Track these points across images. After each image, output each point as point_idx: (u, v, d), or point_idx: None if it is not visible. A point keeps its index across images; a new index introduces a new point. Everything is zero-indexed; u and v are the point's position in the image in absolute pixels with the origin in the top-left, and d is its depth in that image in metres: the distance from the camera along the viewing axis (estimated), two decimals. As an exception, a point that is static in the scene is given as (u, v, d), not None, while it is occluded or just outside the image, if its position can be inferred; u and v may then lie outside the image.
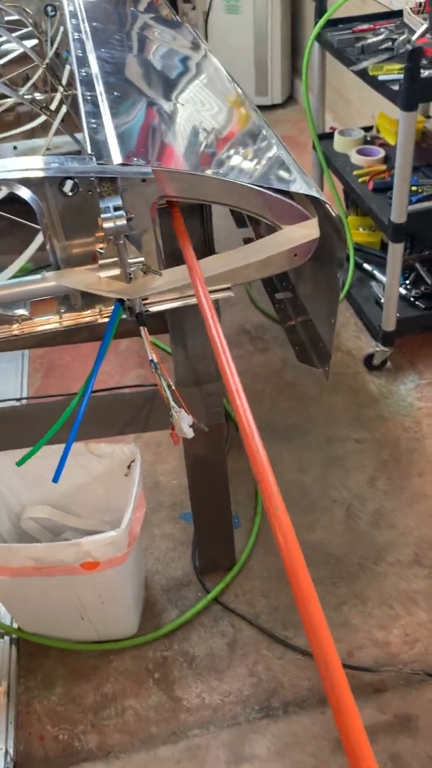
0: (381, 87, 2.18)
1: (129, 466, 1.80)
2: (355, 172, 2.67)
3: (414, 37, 2.35)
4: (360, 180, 2.62)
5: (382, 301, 2.70)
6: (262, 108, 4.88)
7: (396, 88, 2.10)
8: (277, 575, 2.05)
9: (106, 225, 0.87)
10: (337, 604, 1.97)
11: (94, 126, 0.99)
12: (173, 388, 1.09)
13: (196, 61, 1.57)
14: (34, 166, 0.86)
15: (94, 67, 1.23)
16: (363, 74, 2.27)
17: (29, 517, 1.94)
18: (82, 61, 1.27)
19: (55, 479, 1.22)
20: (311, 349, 1.29)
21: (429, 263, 2.88)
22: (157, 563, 2.12)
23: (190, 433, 1.07)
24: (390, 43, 2.42)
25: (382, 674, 1.81)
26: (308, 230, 0.98)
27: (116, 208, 0.87)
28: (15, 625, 1.96)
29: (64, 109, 1.81)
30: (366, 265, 2.96)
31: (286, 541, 0.62)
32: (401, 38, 2.41)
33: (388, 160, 2.73)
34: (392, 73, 2.21)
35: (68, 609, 1.80)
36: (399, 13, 2.65)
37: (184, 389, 1.74)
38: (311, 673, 1.84)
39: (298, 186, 0.96)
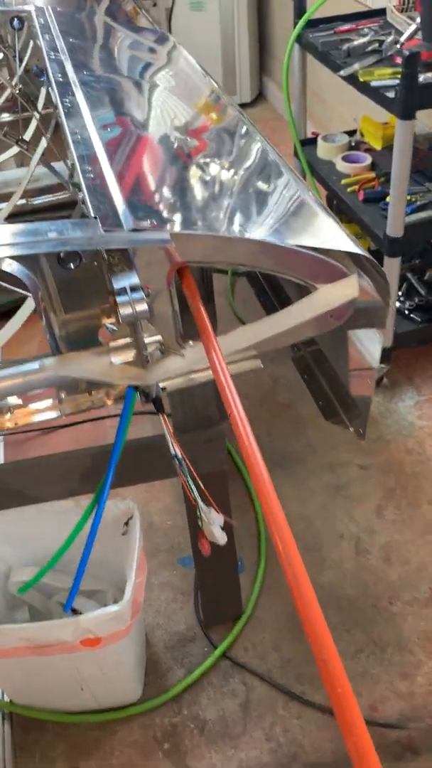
0: (374, 94, 2.04)
1: (126, 523, 1.65)
2: (343, 181, 2.53)
3: (403, 38, 2.22)
4: (349, 190, 2.49)
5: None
6: (231, 108, 4.72)
7: (391, 95, 1.97)
8: (287, 624, 1.91)
9: (124, 312, 0.71)
10: (354, 653, 1.84)
11: (92, 176, 0.83)
12: (201, 486, 0.93)
13: (191, 84, 1.42)
14: (24, 239, 0.69)
15: (80, 97, 1.07)
16: (353, 80, 2.13)
17: (17, 581, 1.77)
18: (65, 88, 1.09)
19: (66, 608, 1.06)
20: (339, 405, 1.15)
21: (420, 272, 2.76)
22: (157, 616, 1.96)
23: (222, 538, 0.92)
24: (377, 45, 2.29)
25: (410, 730, 1.69)
26: (347, 289, 0.84)
27: (133, 288, 0.71)
28: (6, 699, 1.79)
29: (43, 142, 1.63)
30: (355, 276, 2.82)
31: (303, 599, 0.49)
32: (389, 39, 2.27)
33: (376, 166, 2.60)
34: (384, 78, 2.07)
35: (66, 682, 1.64)
36: (381, 12, 2.51)
37: (183, 435, 1.59)
38: (334, 733, 1.70)
39: (339, 242, 0.82)
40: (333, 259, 0.82)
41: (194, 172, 0.94)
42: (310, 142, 2.79)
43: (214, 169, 0.98)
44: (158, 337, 0.81)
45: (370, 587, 1.98)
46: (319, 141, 2.72)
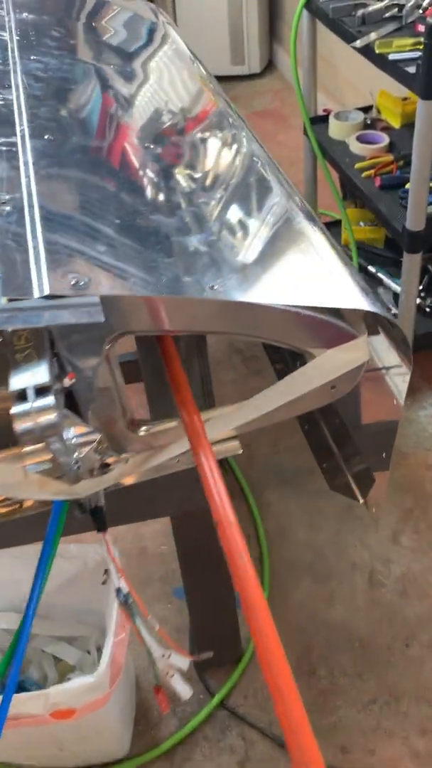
0: (393, 68, 1.78)
1: (106, 572, 1.45)
2: (357, 165, 2.28)
3: (426, 2, 1.95)
4: (364, 175, 2.24)
5: (394, 312, 2.35)
6: (239, 78, 4.43)
7: (412, 70, 1.71)
8: (293, 666, 1.71)
9: (20, 426, 0.50)
10: (366, 703, 1.65)
11: (8, 209, 0.61)
12: (157, 628, 0.74)
13: (172, 75, 1.18)
14: None
15: (18, 91, 0.84)
16: (368, 52, 1.87)
17: (-9, 627, 1.59)
18: (0, 81, 0.87)
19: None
20: (351, 477, 0.95)
21: (443, 264, 2.51)
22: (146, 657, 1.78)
23: (186, 692, 0.73)
24: (396, 10, 2.02)
25: (428, 799, 1.50)
26: (355, 353, 0.63)
27: (40, 391, 0.51)
28: (-19, 753, 1.62)
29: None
30: (371, 268, 2.59)
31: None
32: (410, 4, 2.00)
33: (394, 147, 2.35)
34: (404, 49, 1.81)
35: (43, 744, 1.48)
36: (401, -29, 2.23)
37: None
38: (342, 799, 1.53)
39: (345, 295, 0.60)
40: (337, 318, 0.61)
41: (155, 194, 0.72)
42: (321, 120, 2.53)
43: (182, 188, 0.77)
44: (94, 436, 0.61)
45: (385, 626, 1.79)
46: (331, 119, 2.46)
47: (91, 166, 0.73)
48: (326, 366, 0.64)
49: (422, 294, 2.38)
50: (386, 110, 2.47)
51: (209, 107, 1.08)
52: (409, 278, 2.05)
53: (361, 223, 2.71)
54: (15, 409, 0.50)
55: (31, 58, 0.93)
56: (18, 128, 0.75)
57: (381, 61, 1.83)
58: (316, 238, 0.70)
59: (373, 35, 1.90)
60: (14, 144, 0.71)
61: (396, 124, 2.43)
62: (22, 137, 0.73)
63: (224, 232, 0.68)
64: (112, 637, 1.33)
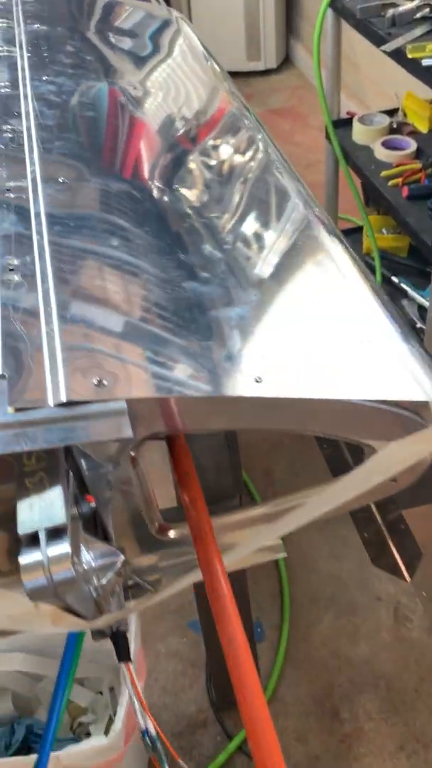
0: (427, 75, 1.67)
1: None
2: (383, 173, 2.17)
3: (460, 3, 1.84)
4: (390, 183, 2.13)
5: (420, 327, 2.25)
6: (255, 75, 4.31)
7: (448, 77, 1.60)
8: (314, 709, 1.64)
9: (31, 582, 0.41)
10: (393, 751, 1.57)
11: (16, 278, 0.51)
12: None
13: (186, 84, 1.08)
14: None
15: (29, 120, 0.74)
16: (399, 56, 1.76)
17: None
18: (8, 106, 0.76)
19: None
20: (398, 550, 0.85)
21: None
22: (163, 694, 1.71)
23: None
24: (428, 11, 1.90)
25: None
26: (423, 444, 0.54)
27: (53, 534, 0.41)
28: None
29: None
30: (394, 278, 2.48)
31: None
32: (443, 4, 1.89)
33: (422, 153, 2.24)
34: (439, 54, 1.70)
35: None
36: (432, -32, 2.11)
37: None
38: None
39: (423, 385, 0.51)
40: (404, 408, 0.52)
41: (189, 253, 0.62)
42: (344, 123, 2.42)
43: (217, 235, 0.67)
44: (117, 558, 0.52)
45: (412, 665, 1.70)
46: (355, 123, 2.35)
47: (111, 212, 0.63)
48: (389, 460, 0.55)
49: (449, 308, 2.27)
50: (413, 114, 2.36)
51: (224, 121, 0.98)
52: (439, 296, 1.95)
53: (384, 231, 2.60)
54: (23, 559, 0.41)
55: (44, 78, 0.83)
56: (29, 168, 0.65)
57: (413, 67, 1.72)
58: (372, 307, 0.61)
59: (403, 38, 1.79)
60: (24, 189, 0.61)
61: (424, 128, 2.32)
62: (33, 180, 0.63)
63: (263, 296, 0.59)
64: (127, 698, 1.25)
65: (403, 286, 2.45)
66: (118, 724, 1.19)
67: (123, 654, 0.62)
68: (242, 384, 0.47)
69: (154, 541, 0.56)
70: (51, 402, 0.43)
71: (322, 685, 1.68)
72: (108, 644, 1.45)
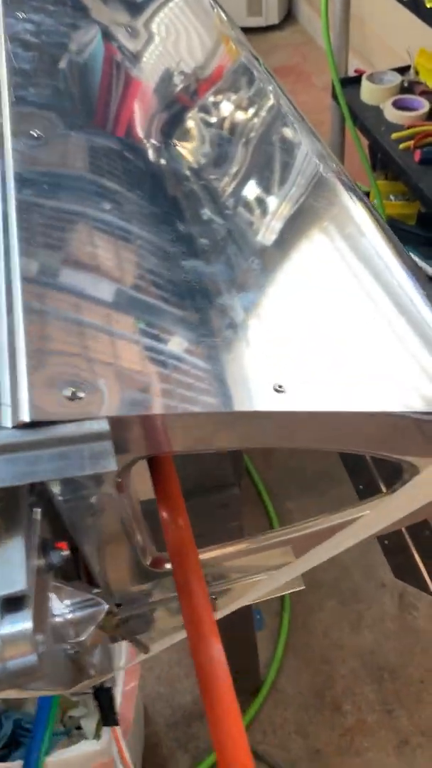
0: (447, 27, 1.54)
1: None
2: (393, 135, 2.04)
3: None
4: (401, 146, 2.00)
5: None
6: (256, 31, 4.11)
7: (471, 29, 1.47)
8: (314, 700, 1.58)
9: None
10: (398, 744, 1.50)
11: None
12: None
13: (187, 42, 0.95)
14: None
15: (0, 65, 0.61)
16: (416, 7, 1.62)
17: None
18: None
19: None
20: (423, 560, 0.76)
21: None
22: (158, 684, 1.64)
23: None
24: (447, -43, 1.75)
25: None
26: None
27: (10, 602, 0.31)
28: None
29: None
30: (402, 248, 2.36)
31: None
32: None
33: (435, 114, 2.10)
34: (460, 4, 1.57)
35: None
36: None
37: (190, 500, 1.22)
38: None
39: None
40: None
41: (189, 225, 0.51)
42: (352, 82, 2.28)
43: (225, 210, 0.56)
44: (99, 609, 0.42)
45: (417, 655, 1.63)
46: (364, 81, 2.21)
47: (96, 172, 0.52)
48: None
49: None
50: (426, 72, 2.21)
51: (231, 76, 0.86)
52: (451, 267, 1.84)
53: (392, 197, 2.47)
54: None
55: (19, 16, 0.71)
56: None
57: (432, 18, 1.58)
58: (405, 283, 0.51)
59: (421, -14, 1.65)
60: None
61: (437, 87, 2.18)
62: (1, 134, 0.52)
63: (274, 274, 0.48)
64: (120, 689, 1.17)
65: (412, 256, 2.33)
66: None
67: (109, 716, 0.53)
68: (260, 395, 0.37)
69: (149, 575, 0.47)
70: (9, 422, 0.32)
71: (324, 675, 1.62)
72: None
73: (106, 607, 0.42)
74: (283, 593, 0.58)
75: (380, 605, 1.72)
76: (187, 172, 0.64)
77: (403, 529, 0.80)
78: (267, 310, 0.47)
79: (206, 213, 0.58)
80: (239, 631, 1.52)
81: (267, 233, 0.58)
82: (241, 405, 0.36)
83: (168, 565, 0.48)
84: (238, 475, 1.27)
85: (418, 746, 1.50)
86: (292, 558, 0.54)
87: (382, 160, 2.41)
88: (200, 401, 0.36)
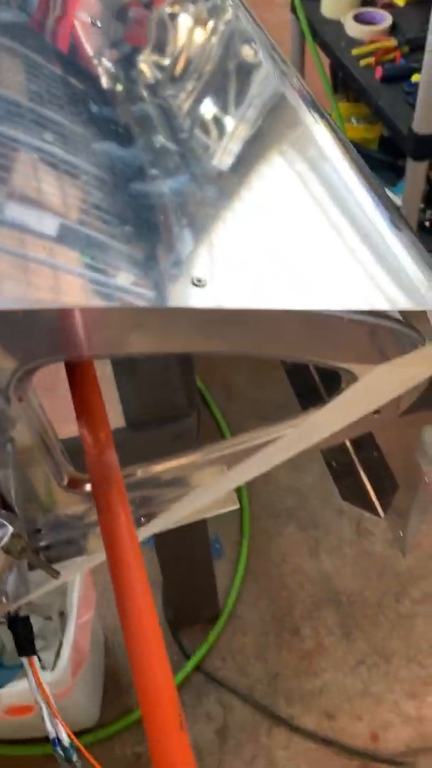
0: None
1: None
2: (354, 51, 1.95)
3: None
4: (362, 63, 1.91)
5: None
6: None
7: None
8: (273, 626, 1.60)
9: None
10: (354, 665, 1.54)
11: None
12: None
13: None
14: None
15: None
16: None
17: None
18: None
19: None
20: (370, 482, 0.74)
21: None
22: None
23: None
24: None
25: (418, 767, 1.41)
26: (419, 366, 0.41)
27: None
28: None
29: None
30: (363, 173, 2.29)
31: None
32: None
33: (397, 29, 2.01)
34: None
35: (3, 726, 1.33)
36: None
37: (138, 433, 1.19)
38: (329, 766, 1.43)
39: (415, 287, 0.37)
40: (393, 321, 0.39)
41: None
42: (312, -6, 2.15)
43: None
44: (4, 532, 0.38)
45: (374, 580, 1.65)
46: (325, -8, 2.09)
47: (33, 92, 0.46)
48: (374, 388, 0.42)
49: (421, 206, 2.11)
50: (389, -17, 2.10)
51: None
52: (412, 189, 1.79)
53: (354, 120, 2.39)
54: None
55: None
56: None
57: None
58: (360, 193, 0.46)
59: None
60: None
61: (400, 0, 2.08)
62: None
63: (224, 190, 0.43)
64: (74, 620, 1.16)
65: (373, 181, 2.26)
66: (64, 657, 1.10)
67: (25, 646, 0.50)
68: (176, 289, 0.32)
69: (70, 496, 0.43)
70: None
71: (283, 601, 1.64)
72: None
73: (10, 529, 0.39)
74: (218, 512, 0.55)
75: (338, 531, 1.73)
76: (140, 90, 0.58)
77: (351, 451, 0.78)
78: (205, 219, 0.42)
79: (156, 137, 0.52)
80: (198, 560, 1.52)
81: (223, 156, 0.52)
82: (154, 300, 0.32)
83: (88, 486, 0.45)
84: (192, 405, 1.23)
85: (373, 666, 1.54)
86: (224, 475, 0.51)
87: (343, 80, 2.32)
88: (103, 295, 0.31)
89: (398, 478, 0.69)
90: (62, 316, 0.31)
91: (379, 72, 1.86)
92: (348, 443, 0.77)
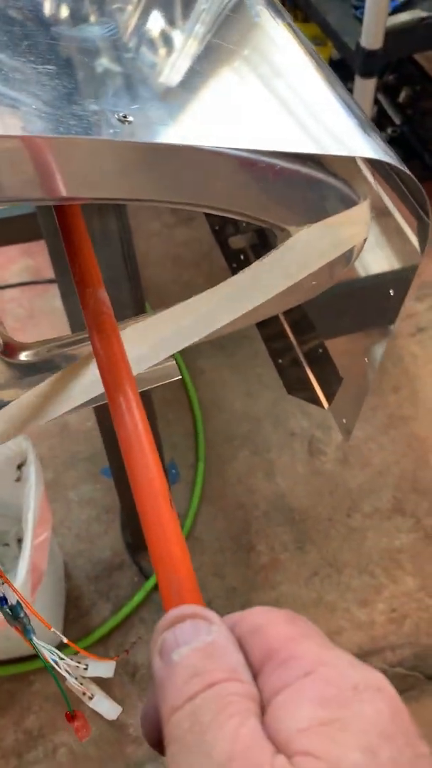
0: None
1: (20, 467, 1.26)
2: (301, -37, 1.88)
3: None
4: (309, -25, 1.86)
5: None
6: None
7: None
8: (230, 544, 1.64)
9: None
10: (308, 576, 1.60)
11: None
12: (64, 639, 0.55)
13: None
14: None
15: None
16: None
17: None
18: None
19: None
20: (315, 376, 0.74)
21: (393, 93, 2.22)
22: (78, 542, 1.66)
23: (115, 712, 0.55)
24: None
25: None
26: (353, 226, 0.41)
27: None
28: None
29: None
30: (312, 97, 2.25)
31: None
32: None
33: None
34: None
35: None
36: None
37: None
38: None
39: (346, 136, 0.37)
40: (325, 172, 0.38)
41: None
42: None
43: None
44: None
45: (326, 496, 1.70)
46: None
47: None
48: (308, 248, 0.42)
49: (370, 128, 2.10)
50: None
51: None
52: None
53: (302, 41, 2.33)
54: None
55: None
56: None
57: None
58: (281, 37, 0.45)
59: None
60: None
61: None
62: None
63: (143, 35, 0.41)
64: (30, 540, 1.17)
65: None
66: (21, 574, 1.12)
67: None
68: (98, 124, 0.31)
69: (3, 368, 0.42)
70: None
71: (239, 521, 1.68)
72: (11, 496, 1.36)
73: None
74: (160, 383, 0.55)
75: (291, 453, 1.77)
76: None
77: (297, 348, 0.79)
78: (122, 48, 0.40)
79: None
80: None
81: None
82: (76, 133, 0.31)
83: (23, 355, 0.44)
84: (139, 306, 1.21)
85: (326, 576, 1.59)
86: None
87: (291, -2, 2.25)
88: (18, 126, 0.30)
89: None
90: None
91: (326, -14, 1.81)
92: (295, 342, 0.77)
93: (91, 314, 0.42)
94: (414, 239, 0.48)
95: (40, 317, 2.08)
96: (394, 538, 1.64)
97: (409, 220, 0.47)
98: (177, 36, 0.44)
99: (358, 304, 0.65)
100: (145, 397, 0.46)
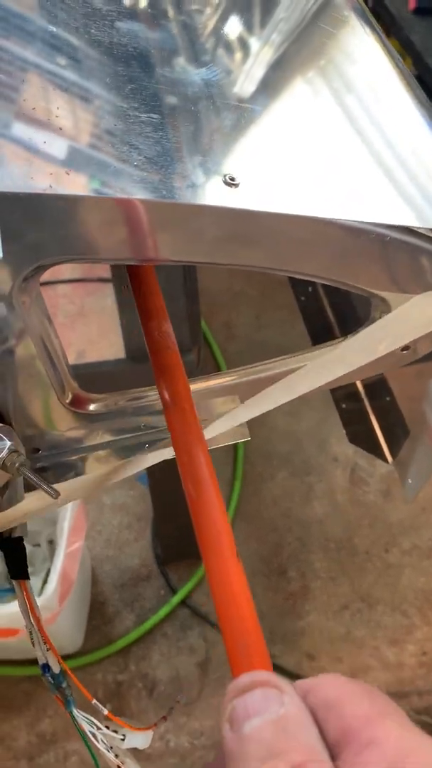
0: None
1: None
2: (388, -22, 1.83)
3: None
4: (396, -9, 1.80)
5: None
6: None
7: None
8: (261, 567, 1.61)
9: None
10: (338, 609, 1.55)
11: None
12: (105, 712, 0.52)
13: None
14: None
15: None
16: None
17: None
18: None
19: None
20: (380, 426, 0.70)
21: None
22: (107, 547, 1.65)
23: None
24: None
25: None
26: None
27: None
28: None
29: None
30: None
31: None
32: None
33: (436, -43, 1.89)
34: None
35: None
36: None
37: (138, 365, 1.16)
38: (304, 705, 1.45)
39: None
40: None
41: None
42: None
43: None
44: (6, 443, 0.35)
45: (365, 528, 1.66)
46: None
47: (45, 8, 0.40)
48: (409, 320, 0.39)
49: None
50: None
51: None
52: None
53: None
54: None
55: None
56: None
57: None
58: (411, 112, 0.41)
59: None
60: None
61: None
62: None
63: (248, 79, 0.38)
64: (64, 548, 1.16)
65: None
66: (52, 583, 1.10)
67: (17, 569, 0.48)
68: (205, 187, 0.28)
69: (72, 416, 0.40)
70: None
71: (271, 543, 1.64)
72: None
73: (8, 443, 0.36)
74: (228, 443, 0.52)
75: (331, 479, 1.72)
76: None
77: (363, 394, 0.75)
78: (237, 121, 0.37)
79: (177, 60, 0.46)
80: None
81: (256, 69, 0.46)
82: (180, 197, 0.28)
83: (92, 407, 0.42)
84: (195, 341, 1.20)
85: (357, 611, 1.55)
86: (237, 406, 0.48)
87: (373, 11, 2.19)
88: (118, 187, 0.27)
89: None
90: (74, 206, 0.27)
91: (413, 2, 1.76)
92: (360, 386, 0.74)
93: (155, 346, 0.40)
94: None
95: (90, 315, 2.07)
96: (431, 578, 1.58)
97: None
98: (286, 83, 0.41)
99: None
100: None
